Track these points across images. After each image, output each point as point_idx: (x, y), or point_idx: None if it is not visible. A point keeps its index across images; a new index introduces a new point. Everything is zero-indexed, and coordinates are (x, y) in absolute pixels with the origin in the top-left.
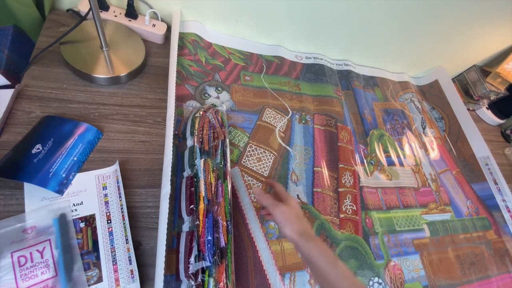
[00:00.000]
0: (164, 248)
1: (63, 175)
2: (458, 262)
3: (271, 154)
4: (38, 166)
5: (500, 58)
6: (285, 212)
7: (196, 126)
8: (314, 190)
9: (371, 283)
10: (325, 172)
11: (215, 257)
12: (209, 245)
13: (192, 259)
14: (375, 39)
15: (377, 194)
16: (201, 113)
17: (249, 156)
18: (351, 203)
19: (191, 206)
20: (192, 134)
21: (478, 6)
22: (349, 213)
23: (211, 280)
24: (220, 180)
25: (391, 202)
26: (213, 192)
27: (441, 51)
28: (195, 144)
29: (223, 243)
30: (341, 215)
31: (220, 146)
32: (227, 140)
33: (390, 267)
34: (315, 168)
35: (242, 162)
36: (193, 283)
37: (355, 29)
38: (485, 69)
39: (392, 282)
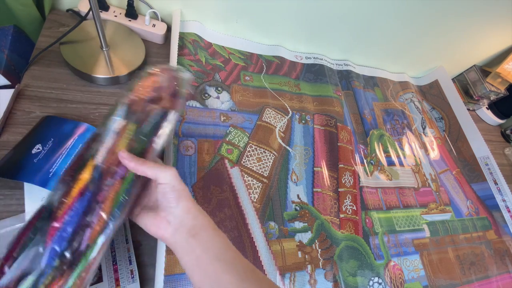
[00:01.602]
0: (164, 248)
1: None
2: (458, 262)
3: (271, 154)
4: (38, 166)
5: (500, 58)
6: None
7: (138, 82)
8: (314, 190)
9: (371, 283)
10: (325, 172)
11: (57, 260)
12: (59, 239)
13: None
14: (375, 39)
15: (377, 194)
16: (153, 70)
17: (249, 156)
18: (351, 203)
19: (71, 172)
20: (129, 89)
21: (479, 6)
22: (349, 213)
23: None
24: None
25: (391, 202)
26: (111, 165)
27: (441, 51)
28: (124, 100)
29: (83, 246)
30: (341, 215)
31: (157, 115)
32: (174, 115)
33: (390, 267)
34: (315, 168)
35: (242, 162)
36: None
37: (355, 29)
38: (485, 69)
39: (392, 282)
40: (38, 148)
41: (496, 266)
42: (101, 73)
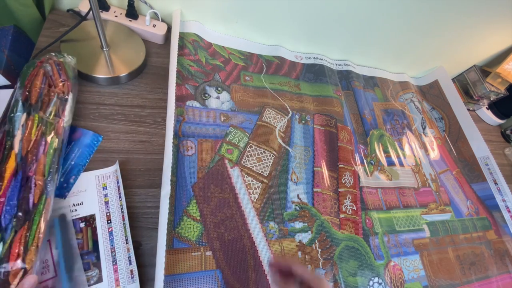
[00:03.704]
0: (164, 248)
1: (61, 180)
2: (458, 262)
3: (271, 154)
4: None
5: (500, 58)
6: None
7: (27, 76)
8: (314, 190)
9: (371, 283)
10: (325, 172)
11: (14, 220)
12: (8, 208)
13: None
14: (375, 39)
15: (377, 194)
16: (36, 63)
17: (249, 156)
18: (351, 203)
19: None
20: (21, 86)
21: (478, 6)
22: (349, 213)
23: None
24: (45, 135)
25: (391, 202)
26: (30, 149)
27: (441, 51)
28: (19, 98)
29: (31, 204)
30: (341, 215)
31: (54, 99)
32: (71, 95)
33: (390, 267)
34: (315, 168)
35: (242, 162)
36: None
37: (355, 29)
38: (485, 69)
39: (392, 282)
40: None
41: (496, 266)
42: (101, 73)
